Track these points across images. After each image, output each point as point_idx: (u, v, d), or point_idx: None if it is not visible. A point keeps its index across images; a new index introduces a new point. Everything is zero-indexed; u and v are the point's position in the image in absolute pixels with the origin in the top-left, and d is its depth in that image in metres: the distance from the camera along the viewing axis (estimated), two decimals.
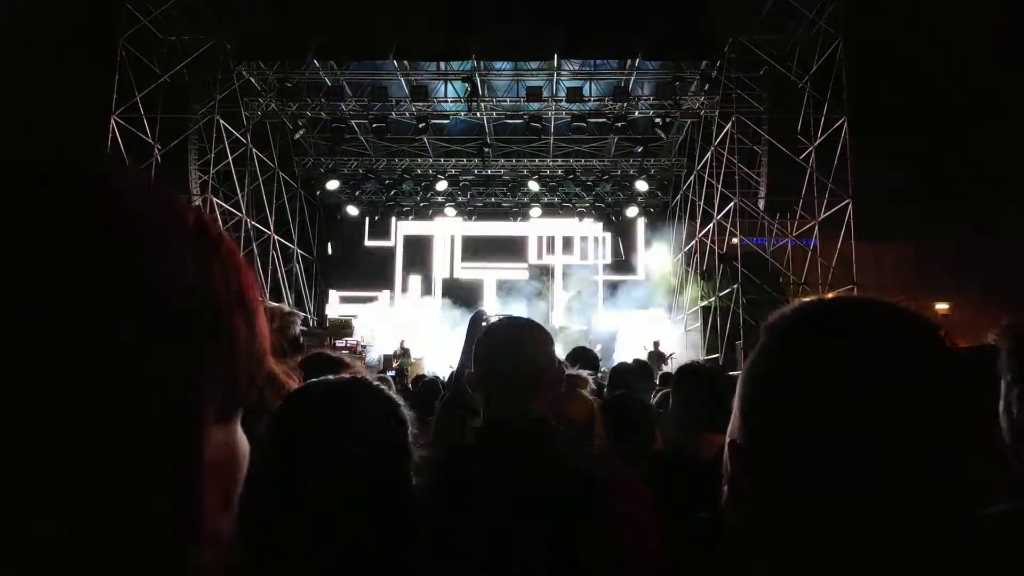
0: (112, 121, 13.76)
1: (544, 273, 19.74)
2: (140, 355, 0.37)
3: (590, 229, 20.19)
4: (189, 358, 0.39)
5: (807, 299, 0.72)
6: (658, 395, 4.39)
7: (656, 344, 14.63)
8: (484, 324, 2.84)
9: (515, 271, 20.07)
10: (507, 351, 1.83)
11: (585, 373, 3.16)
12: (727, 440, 0.71)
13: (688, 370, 2.90)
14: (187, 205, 0.45)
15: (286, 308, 3.99)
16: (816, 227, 15.02)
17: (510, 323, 1.97)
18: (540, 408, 1.80)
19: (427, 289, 19.84)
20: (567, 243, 20.35)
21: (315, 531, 1.13)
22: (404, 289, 20.03)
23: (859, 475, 0.60)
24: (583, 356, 4.12)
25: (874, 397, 0.61)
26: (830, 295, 0.73)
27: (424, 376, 7.09)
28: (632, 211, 19.48)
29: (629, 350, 14.36)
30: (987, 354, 1.36)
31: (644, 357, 10.76)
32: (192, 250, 0.42)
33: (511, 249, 20.24)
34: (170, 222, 0.42)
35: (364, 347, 15.82)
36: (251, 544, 1.10)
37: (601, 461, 1.78)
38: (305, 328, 15.87)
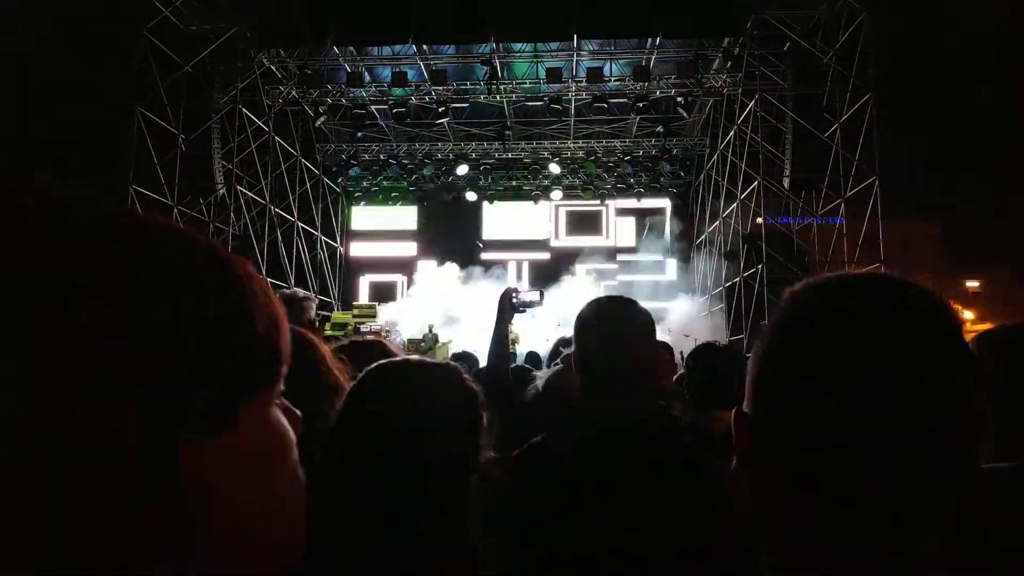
0: (136, 113, 13.90)
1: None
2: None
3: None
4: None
5: (820, 276, 0.72)
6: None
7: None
8: (515, 300, 2.84)
9: (537, 254, 20.09)
10: (606, 337, 1.71)
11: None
12: (735, 410, 0.72)
13: (702, 349, 2.91)
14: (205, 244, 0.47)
15: (300, 293, 4.05)
16: (842, 205, 14.81)
17: (604, 307, 1.80)
18: (652, 397, 1.72)
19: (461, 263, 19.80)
20: (590, 224, 20.29)
21: (390, 509, 1.15)
22: (436, 265, 20.07)
23: (858, 450, 0.61)
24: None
25: (873, 372, 0.61)
26: (846, 271, 0.73)
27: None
28: (655, 191, 19.35)
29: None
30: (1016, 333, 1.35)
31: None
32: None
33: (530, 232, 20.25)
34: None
35: (388, 331, 15.92)
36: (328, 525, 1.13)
37: (710, 459, 1.68)
38: (327, 314, 16.05)
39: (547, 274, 18.86)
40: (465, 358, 4.49)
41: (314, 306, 3.87)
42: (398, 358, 1.34)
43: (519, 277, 19.53)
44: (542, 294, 2.92)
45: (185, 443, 0.41)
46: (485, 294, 16.23)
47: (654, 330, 1.77)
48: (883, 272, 0.71)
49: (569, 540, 1.50)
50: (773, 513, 0.67)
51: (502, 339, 2.75)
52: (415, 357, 1.36)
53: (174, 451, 0.40)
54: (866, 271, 0.71)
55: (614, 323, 1.73)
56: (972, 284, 15.71)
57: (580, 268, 19.72)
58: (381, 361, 1.30)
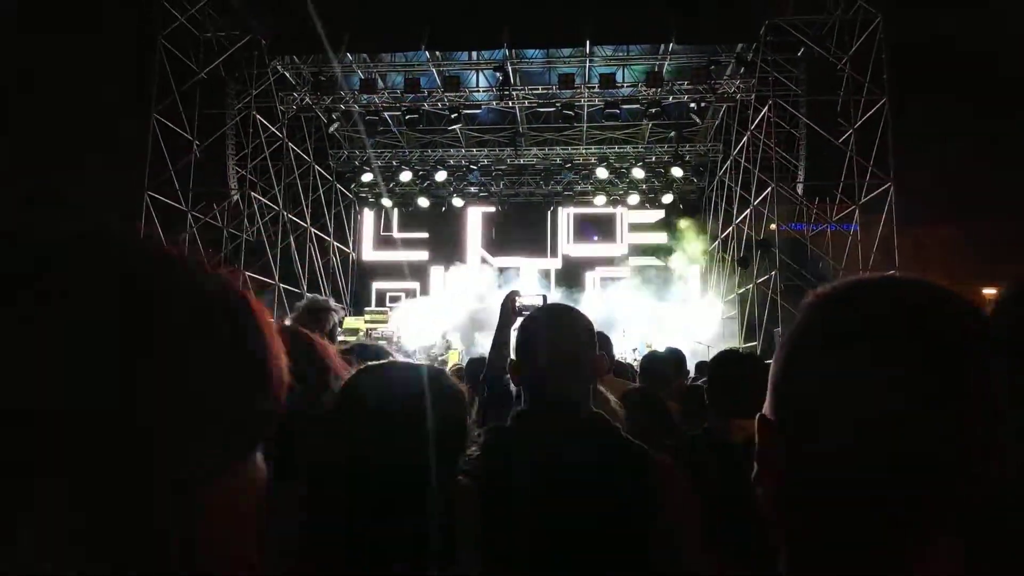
0: (152, 119, 14.03)
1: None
2: None
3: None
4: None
5: (843, 279, 0.72)
6: (691, 384, 4.36)
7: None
8: (518, 304, 2.82)
9: (547, 261, 20.06)
10: (547, 338, 1.81)
11: (613, 400, 3.14)
12: (758, 416, 0.72)
13: (724, 356, 2.91)
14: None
15: (325, 303, 4.06)
16: (856, 211, 14.71)
17: (550, 310, 1.95)
18: (582, 395, 1.79)
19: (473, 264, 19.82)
20: (601, 230, 20.26)
21: (381, 497, 1.15)
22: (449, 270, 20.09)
23: (876, 454, 0.61)
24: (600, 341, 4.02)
25: (891, 378, 0.61)
26: (867, 275, 0.73)
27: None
28: (667, 198, 19.29)
29: (665, 339, 14.26)
30: None
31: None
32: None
33: (542, 239, 20.24)
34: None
35: (399, 338, 15.96)
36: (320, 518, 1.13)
37: (647, 457, 1.77)
38: (341, 319, 16.10)
39: (559, 280, 18.85)
40: (479, 364, 4.46)
41: (336, 316, 3.88)
42: (383, 360, 1.35)
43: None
44: (545, 298, 2.88)
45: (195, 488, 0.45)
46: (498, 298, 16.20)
47: (591, 335, 1.87)
48: (903, 275, 0.70)
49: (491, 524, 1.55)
50: (794, 516, 0.67)
51: (503, 345, 2.72)
52: (401, 359, 1.37)
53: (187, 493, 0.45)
54: (885, 275, 0.71)
55: (547, 326, 1.85)
56: (989, 291, 15.52)
57: (592, 275, 19.70)
58: (365, 364, 1.31)
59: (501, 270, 19.13)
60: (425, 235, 20.59)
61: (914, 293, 0.66)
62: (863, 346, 0.63)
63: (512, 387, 2.73)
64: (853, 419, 0.62)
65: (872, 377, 0.62)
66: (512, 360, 1.89)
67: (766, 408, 0.72)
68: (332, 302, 4.11)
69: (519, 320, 2.84)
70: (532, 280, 18.61)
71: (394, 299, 19.81)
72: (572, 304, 2.00)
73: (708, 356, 12.24)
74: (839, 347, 0.65)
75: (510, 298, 2.84)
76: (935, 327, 0.63)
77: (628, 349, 13.70)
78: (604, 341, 4.12)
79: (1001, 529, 0.63)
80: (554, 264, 20.06)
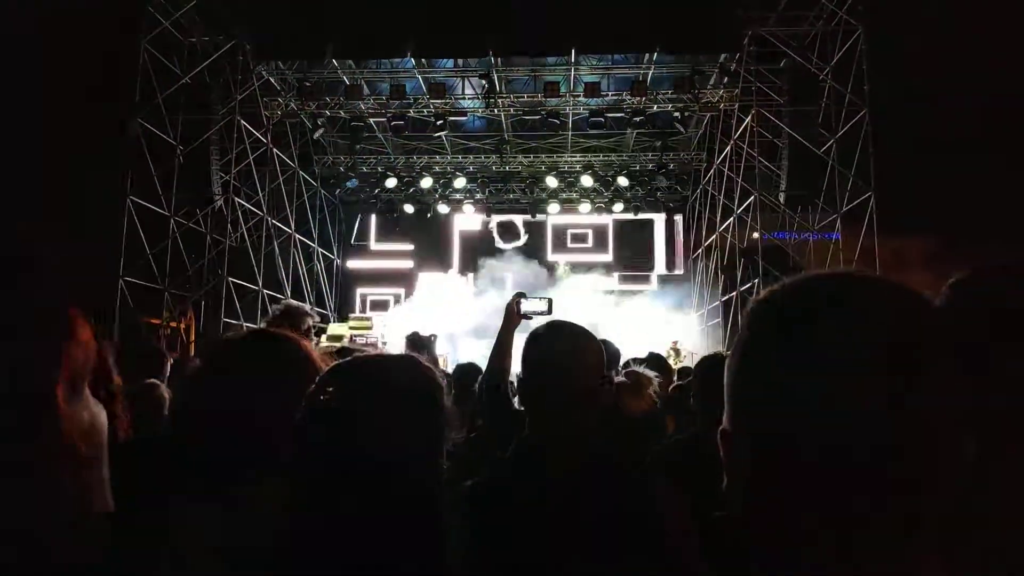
0: (136, 123, 13.92)
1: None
2: None
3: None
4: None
5: (778, 283, 0.71)
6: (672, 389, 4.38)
7: (674, 343, 14.38)
8: (523, 308, 2.77)
9: (533, 267, 20.05)
10: (556, 367, 1.70)
11: (652, 374, 3.14)
12: (719, 429, 0.71)
13: (708, 361, 2.91)
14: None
15: (293, 305, 4.14)
16: (838, 220, 14.86)
17: (560, 331, 1.78)
18: (585, 427, 1.70)
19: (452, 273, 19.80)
20: (580, 238, 20.30)
21: (353, 495, 1.13)
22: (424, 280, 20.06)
23: (836, 454, 0.60)
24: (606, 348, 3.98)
25: (844, 376, 0.60)
26: (803, 275, 0.71)
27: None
28: (651, 205, 19.40)
29: (647, 347, 14.27)
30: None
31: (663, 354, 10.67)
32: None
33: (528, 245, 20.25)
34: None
35: (384, 344, 15.89)
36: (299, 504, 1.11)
37: (647, 491, 1.68)
38: (323, 325, 16.01)
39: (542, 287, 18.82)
40: (468, 371, 4.45)
41: (309, 319, 3.95)
42: (355, 356, 1.32)
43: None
44: (551, 303, 2.84)
45: None
46: (485, 304, 16.23)
47: (600, 357, 1.75)
48: (845, 270, 0.69)
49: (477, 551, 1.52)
50: (762, 524, 0.66)
51: (505, 349, 2.66)
52: (373, 352, 1.34)
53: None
54: (816, 274, 0.70)
55: (566, 353, 1.72)
56: None
57: (576, 282, 19.72)
58: (336, 362, 1.28)
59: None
60: (409, 242, 20.55)
61: (859, 287, 0.65)
62: (810, 347, 0.62)
63: (516, 401, 2.70)
64: (809, 421, 0.60)
65: (824, 377, 0.60)
66: (520, 377, 1.79)
67: (725, 420, 0.70)
68: (307, 307, 4.18)
69: (523, 323, 2.82)
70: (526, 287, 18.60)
71: (378, 304, 19.75)
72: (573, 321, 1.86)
73: (692, 362, 12.32)
74: (786, 350, 0.63)
75: (515, 301, 2.79)
76: (887, 321, 0.62)
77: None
78: (612, 349, 4.09)
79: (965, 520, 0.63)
80: (539, 271, 20.05)
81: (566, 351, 1.72)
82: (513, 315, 2.75)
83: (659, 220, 20.25)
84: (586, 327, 1.80)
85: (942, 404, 0.60)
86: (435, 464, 1.20)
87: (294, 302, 3.98)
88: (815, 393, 0.60)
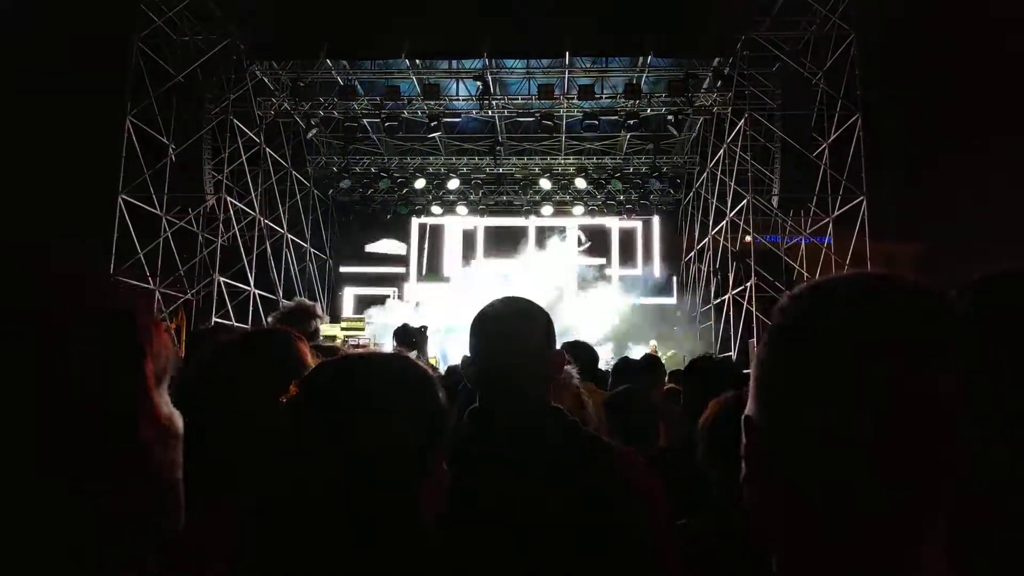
0: (127, 122, 13.86)
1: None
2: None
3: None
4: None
5: (821, 278, 0.74)
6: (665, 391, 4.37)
7: (654, 347, 14.38)
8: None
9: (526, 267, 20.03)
10: (495, 335, 1.68)
11: (572, 370, 3.00)
12: (743, 417, 0.72)
13: (698, 363, 2.91)
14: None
15: (306, 304, 4.09)
16: (830, 224, 14.93)
17: (504, 301, 1.77)
18: (539, 390, 1.67)
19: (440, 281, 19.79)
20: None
21: (344, 494, 1.09)
22: (418, 280, 20.03)
23: (864, 450, 0.62)
24: (579, 351, 3.85)
25: (868, 373, 0.63)
26: (842, 274, 0.75)
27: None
28: (644, 208, 19.44)
29: (639, 348, 14.32)
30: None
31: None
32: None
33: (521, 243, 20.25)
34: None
35: (376, 345, 15.86)
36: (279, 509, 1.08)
37: (610, 450, 1.66)
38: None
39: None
40: (457, 371, 4.44)
41: (317, 319, 3.91)
42: (342, 354, 1.28)
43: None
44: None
45: None
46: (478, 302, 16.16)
47: (548, 329, 1.73)
48: (877, 272, 0.72)
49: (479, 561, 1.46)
50: (783, 514, 0.68)
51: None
52: (364, 351, 1.32)
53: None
54: (860, 273, 0.72)
55: (504, 320, 1.71)
56: None
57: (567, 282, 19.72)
58: (321, 360, 1.24)
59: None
60: (402, 242, 20.52)
61: (892, 290, 0.68)
62: (848, 344, 0.64)
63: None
64: (841, 415, 0.63)
65: (859, 373, 0.63)
66: (466, 356, 1.76)
67: (749, 408, 0.72)
68: (318, 307, 4.14)
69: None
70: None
71: (370, 305, 19.71)
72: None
73: (684, 364, 12.35)
74: (826, 344, 0.66)
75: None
76: (917, 323, 0.64)
77: (604, 360, 13.72)
78: (589, 352, 4.09)
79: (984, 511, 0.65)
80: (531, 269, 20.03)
81: (512, 313, 1.71)
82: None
83: (654, 223, 20.28)
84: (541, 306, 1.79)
85: (958, 403, 0.62)
86: (425, 465, 1.16)
87: (307, 301, 3.95)
88: (845, 390, 0.63)
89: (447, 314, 16.59)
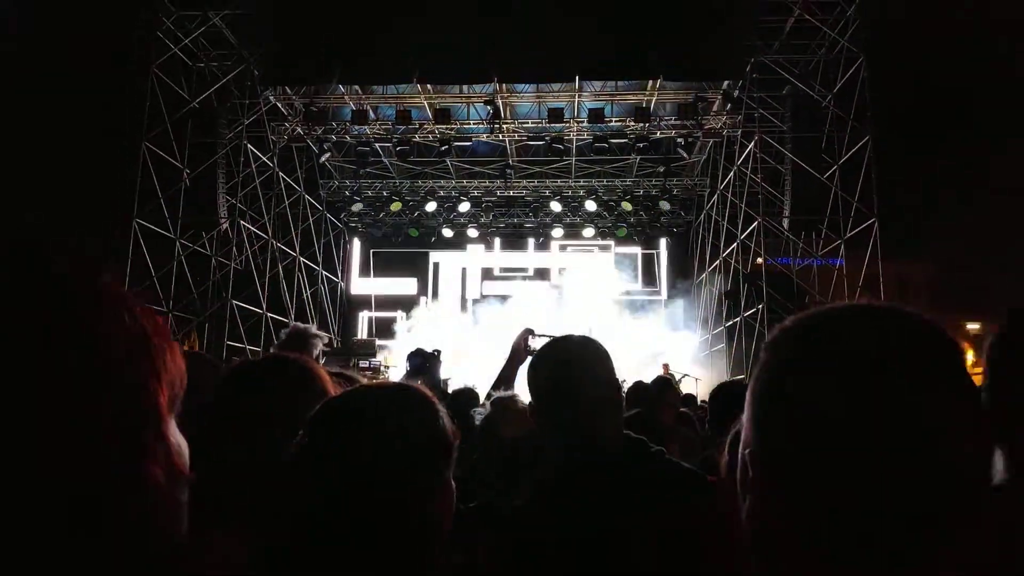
0: (143, 147, 14.05)
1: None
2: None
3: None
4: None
5: (806, 311, 0.74)
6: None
7: (665, 367, 14.32)
8: (531, 344, 2.66)
9: (539, 291, 20.02)
10: (588, 376, 1.62)
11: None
12: (745, 451, 0.72)
13: (722, 388, 2.91)
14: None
15: (300, 328, 4.07)
16: (841, 246, 14.87)
17: (576, 343, 1.72)
18: (619, 429, 1.63)
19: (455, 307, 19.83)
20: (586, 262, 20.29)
21: (349, 523, 1.09)
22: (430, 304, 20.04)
23: (865, 477, 0.62)
24: None
25: (864, 405, 0.63)
26: (833, 303, 0.75)
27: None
28: (655, 231, 19.45)
29: (649, 370, 14.23)
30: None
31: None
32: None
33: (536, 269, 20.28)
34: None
35: (387, 368, 15.86)
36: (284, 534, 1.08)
37: (707, 485, 1.61)
38: (328, 348, 16.00)
39: (545, 311, 18.80)
40: (463, 394, 4.42)
41: (320, 342, 3.88)
42: (353, 386, 1.28)
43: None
44: None
45: None
46: (487, 329, 16.20)
47: (612, 363, 1.70)
48: (874, 302, 0.72)
49: None
50: (790, 544, 0.67)
51: (508, 383, 2.61)
52: (373, 382, 1.31)
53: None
54: (856, 304, 0.73)
55: (579, 357, 1.66)
56: (973, 326, 15.71)
57: (580, 306, 19.68)
58: (336, 393, 1.24)
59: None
60: (414, 266, 20.59)
61: (892, 323, 0.68)
62: (840, 367, 0.65)
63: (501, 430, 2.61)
64: (844, 447, 0.63)
65: (858, 406, 0.63)
66: (531, 403, 1.70)
67: (747, 439, 0.72)
68: (314, 328, 4.10)
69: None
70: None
71: (382, 329, 19.73)
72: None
73: (696, 387, 12.28)
74: (816, 372, 0.66)
75: (523, 337, 2.69)
76: (916, 357, 0.65)
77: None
78: None
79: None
80: (544, 292, 20.02)
81: (594, 357, 1.66)
82: (520, 351, 2.66)
83: (665, 244, 20.28)
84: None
85: (958, 426, 0.62)
86: (431, 499, 1.15)
87: (300, 325, 3.91)
88: (834, 419, 0.63)
89: (456, 338, 16.63)
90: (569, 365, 1.65)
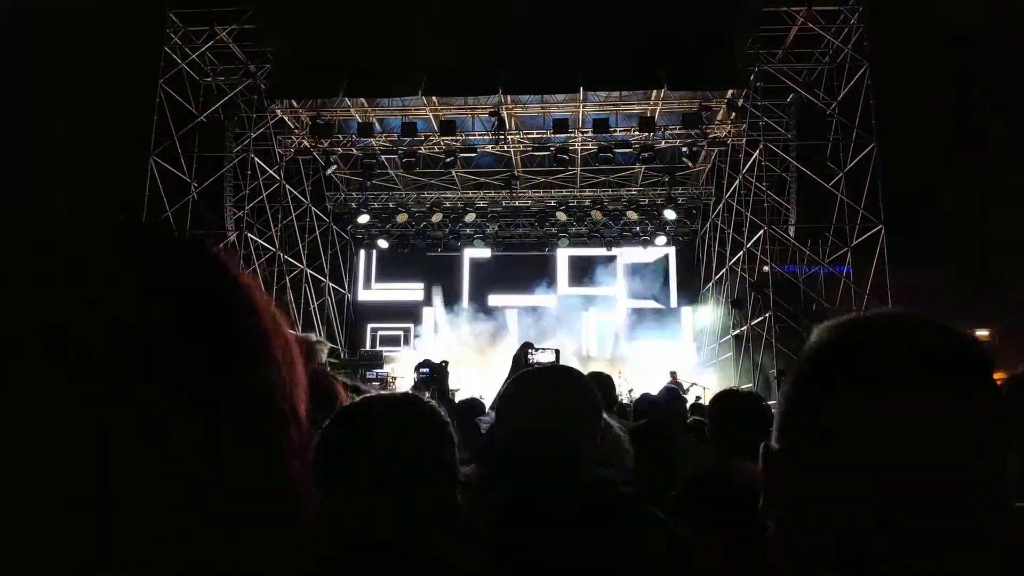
0: (151, 161, 14.15)
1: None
2: None
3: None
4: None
5: (850, 314, 0.75)
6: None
7: (673, 375, 14.26)
8: (530, 358, 2.69)
9: (545, 300, 20.05)
10: (536, 423, 1.45)
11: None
12: (762, 448, 0.73)
13: (726, 396, 2.90)
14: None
15: (313, 338, 4.09)
16: (848, 254, 14.84)
17: (538, 379, 1.55)
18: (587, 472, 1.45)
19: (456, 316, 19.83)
20: (591, 271, 20.29)
21: (357, 528, 1.10)
22: (435, 317, 20.07)
23: (887, 487, 0.62)
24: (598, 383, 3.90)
25: (896, 414, 0.63)
26: (876, 310, 0.76)
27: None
28: (660, 240, 19.44)
29: (655, 380, 14.19)
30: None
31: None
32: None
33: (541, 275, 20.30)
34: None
35: (395, 379, 15.86)
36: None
37: (674, 535, 1.46)
38: (336, 360, 16.03)
39: (553, 322, 18.85)
40: (471, 406, 4.44)
41: (324, 350, 3.90)
42: (360, 398, 1.30)
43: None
44: (558, 353, 2.82)
45: None
46: (492, 340, 16.21)
47: (589, 403, 1.51)
48: (910, 311, 0.72)
49: None
50: (807, 546, 0.68)
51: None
52: (379, 393, 1.33)
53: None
54: (897, 311, 0.73)
55: (542, 399, 1.48)
56: (982, 332, 15.63)
57: (586, 316, 19.70)
58: (344, 405, 1.26)
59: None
60: (420, 277, 20.63)
61: (924, 326, 0.68)
62: (886, 382, 0.65)
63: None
64: (871, 448, 0.63)
65: (888, 404, 0.63)
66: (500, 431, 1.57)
67: (775, 438, 0.72)
68: (314, 336, 4.13)
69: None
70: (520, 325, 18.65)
71: (388, 339, 19.76)
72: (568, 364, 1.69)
73: (704, 396, 12.24)
74: (854, 378, 0.66)
75: (522, 351, 2.75)
76: (946, 358, 0.65)
77: (624, 391, 13.62)
78: (605, 382, 4.09)
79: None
80: (549, 305, 20.04)
81: (544, 397, 1.49)
82: (520, 365, 2.69)
83: (671, 253, 20.28)
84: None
85: (989, 444, 0.63)
86: (439, 507, 1.17)
87: (312, 337, 3.93)
88: (881, 430, 0.64)
89: (461, 349, 16.64)
90: (519, 416, 1.50)
